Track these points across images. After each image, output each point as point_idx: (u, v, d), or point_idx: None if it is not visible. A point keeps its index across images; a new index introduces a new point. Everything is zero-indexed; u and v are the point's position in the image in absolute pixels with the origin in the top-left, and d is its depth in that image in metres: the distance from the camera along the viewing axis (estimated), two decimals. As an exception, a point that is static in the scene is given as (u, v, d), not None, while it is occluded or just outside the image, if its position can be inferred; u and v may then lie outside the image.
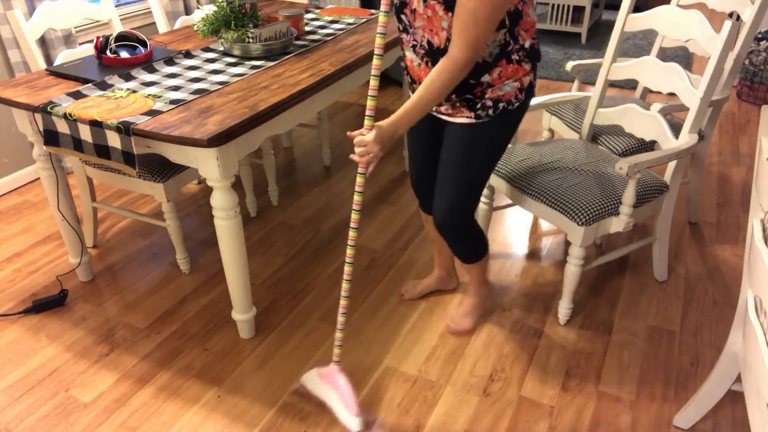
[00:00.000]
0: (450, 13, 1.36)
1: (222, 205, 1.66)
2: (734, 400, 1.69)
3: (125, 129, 1.54)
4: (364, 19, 2.54)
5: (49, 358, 1.86)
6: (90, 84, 1.79)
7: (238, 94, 1.75)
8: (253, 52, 2.04)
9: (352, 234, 1.53)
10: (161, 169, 2.01)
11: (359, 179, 1.47)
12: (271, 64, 2.00)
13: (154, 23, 3.28)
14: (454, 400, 1.70)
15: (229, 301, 2.07)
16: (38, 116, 1.67)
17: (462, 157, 1.58)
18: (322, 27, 2.43)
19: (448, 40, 1.40)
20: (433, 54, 1.46)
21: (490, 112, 1.51)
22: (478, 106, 1.51)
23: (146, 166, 2.01)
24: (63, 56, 2.09)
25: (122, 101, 1.68)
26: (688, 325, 1.98)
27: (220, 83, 1.83)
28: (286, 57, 2.06)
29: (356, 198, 1.50)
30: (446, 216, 1.64)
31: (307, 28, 2.40)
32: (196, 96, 1.73)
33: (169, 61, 1.99)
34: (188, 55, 2.07)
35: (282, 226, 2.51)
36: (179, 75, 1.89)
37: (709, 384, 1.49)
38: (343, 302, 1.59)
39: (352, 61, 2.00)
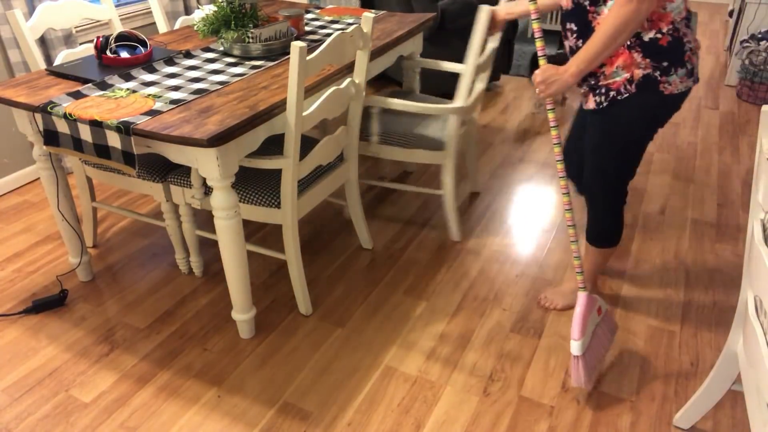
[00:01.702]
0: None
1: (222, 205, 1.66)
2: (734, 400, 1.69)
3: (125, 129, 1.54)
4: (364, 19, 2.53)
5: (49, 358, 1.86)
6: (90, 84, 1.79)
7: (238, 94, 1.75)
8: (253, 52, 2.04)
9: (559, 166, 1.67)
10: (161, 169, 2.01)
11: (549, 115, 1.63)
12: (271, 64, 2.00)
13: (154, 23, 3.28)
14: (454, 400, 1.70)
15: (229, 301, 2.07)
16: (38, 116, 1.67)
17: (591, 142, 1.70)
18: (322, 27, 2.43)
19: (577, 3, 1.54)
20: (568, 17, 1.59)
21: (603, 99, 1.59)
22: (597, 92, 1.61)
23: (146, 166, 2.01)
24: (63, 56, 2.09)
25: (122, 101, 1.68)
26: (688, 325, 1.98)
27: (220, 83, 1.83)
28: (286, 57, 2.06)
29: (552, 132, 1.64)
30: (589, 192, 1.80)
31: (307, 28, 2.40)
32: (196, 96, 1.73)
33: (169, 61, 1.99)
34: (188, 55, 2.07)
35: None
36: (179, 75, 1.89)
37: (709, 384, 1.49)
38: (571, 231, 1.70)
39: (352, 61, 2.00)
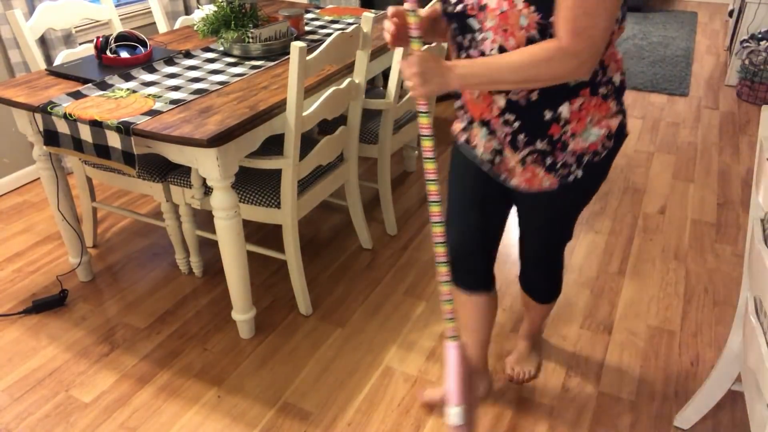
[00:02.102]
0: (532, 6, 1.05)
1: (222, 205, 1.66)
2: (734, 400, 1.69)
3: (125, 129, 1.54)
4: (364, 19, 2.54)
5: (49, 358, 1.86)
6: (90, 84, 1.79)
7: (238, 94, 1.75)
8: (253, 52, 2.04)
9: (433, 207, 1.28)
10: (161, 169, 2.01)
11: (422, 120, 1.22)
12: (271, 64, 2.00)
13: (154, 23, 3.28)
14: (454, 400, 1.70)
15: (229, 301, 2.07)
16: (38, 116, 1.67)
17: (550, 228, 1.38)
18: (322, 27, 2.43)
19: (530, 41, 1.09)
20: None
21: (575, 169, 1.24)
22: (559, 164, 1.23)
23: (146, 166, 2.01)
24: (63, 56, 2.09)
25: (122, 101, 1.68)
26: (688, 325, 1.98)
27: (220, 83, 1.83)
28: (286, 57, 2.06)
29: (428, 166, 1.24)
30: (551, 288, 1.55)
31: (307, 28, 2.41)
32: (196, 96, 1.73)
33: (169, 61, 1.99)
34: (188, 55, 2.07)
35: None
36: (179, 75, 1.89)
37: (709, 384, 1.49)
38: (445, 288, 1.35)
39: (352, 61, 2.00)
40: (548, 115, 1.17)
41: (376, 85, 2.93)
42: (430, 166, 1.23)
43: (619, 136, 1.25)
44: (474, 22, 1.13)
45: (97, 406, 1.69)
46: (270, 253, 2.01)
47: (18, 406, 1.69)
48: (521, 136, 1.21)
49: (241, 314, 1.89)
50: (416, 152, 2.93)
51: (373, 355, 1.86)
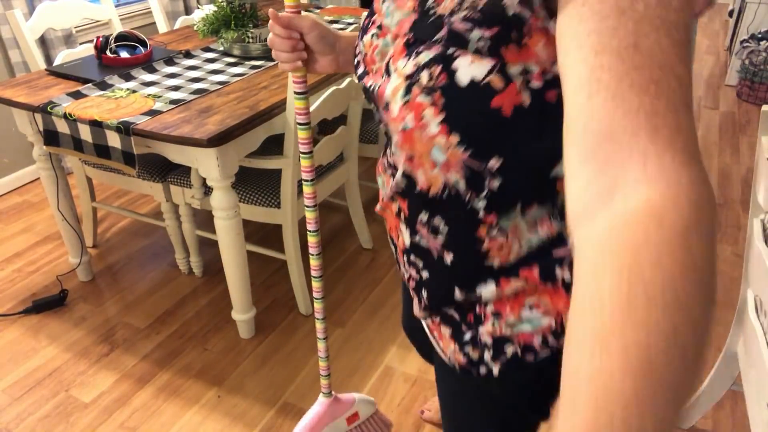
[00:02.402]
0: (454, 134, 0.57)
1: (222, 205, 1.66)
2: (734, 400, 1.69)
3: (125, 129, 1.54)
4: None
5: (49, 358, 1.86)
6: (90, 84, 1.79)
7: (238, 94, 1.75)
8: (253, 52, 2.04)
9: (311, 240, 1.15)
10: (161, 169, 2.01)
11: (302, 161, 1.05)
12: (272, 63, 2.00)
13: (154, 23, 3.28)
14: (454, 400, 1.70)
15: (229, 301, 2.07)
16: (38, 116, 1.67)
17: (448, 416, 0.87)
18: (322, 27, 2.43)
19: (448, 190, 0.62)
20: (414, 199, 0.67)
21: (488, 358, 0.69)
22: (466, 338, 0.71)
23: (145, 166, 2.01)
24: (63, 56, 2.09)
25: (122, 101, 1.68)
26: (688, 325, 1.98)
27: (220, 83, 1.83)
28: (286, 57, 2.06)
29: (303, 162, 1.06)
30: None
31: (307, 28, 2.40)
32: (196, 96, 1.73)
33: (169, 61, 1.99)
34: (188, 55, 2.07)
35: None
36: (179, 75, 1.89)
37: (709, 384, 1.49)
38: (319, 325, 1.27)
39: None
40: (458, 294, 0.69)
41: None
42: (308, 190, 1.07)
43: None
44: (383, 116, 0.64)
45: (96, 406, 1.69)
46: (270, 253, 2.01)
47: (18, 406, 1.69)
48: (424, 293, 0.74)
49: (241, 314, 1.89)
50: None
51: (374, 355, 1.86)
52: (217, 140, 1.51)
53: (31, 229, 2.52)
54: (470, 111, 0.55)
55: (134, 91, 1.75)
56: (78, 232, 2.09)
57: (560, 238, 0.62)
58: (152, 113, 1.61)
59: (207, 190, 1.95)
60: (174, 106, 1.66)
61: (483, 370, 0.70)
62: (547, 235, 0.62)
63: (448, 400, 0.84)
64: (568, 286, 0.63)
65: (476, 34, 0.52)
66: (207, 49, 2.13)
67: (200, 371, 1.81)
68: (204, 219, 2.47)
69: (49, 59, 2.68)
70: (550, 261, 0.63)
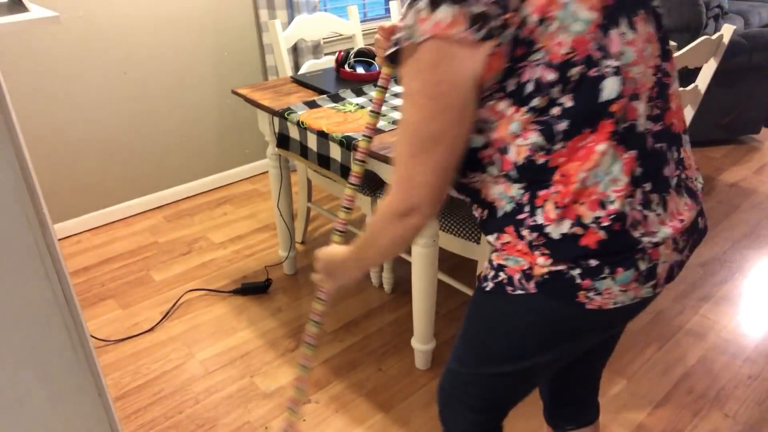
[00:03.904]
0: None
1: (422, 232, 1.61)
2: None
3: (347, 144, 1.58)
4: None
5: (244, 340, 2.00)
6: (325, 95, 1.88)
7: (460, 122, 1.69)
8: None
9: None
10: (373, 183, 2.04)
11: (315, 305, 1.24)
12: (499, 92, 1.91)
13: (393, 39, 3.42)
14: None
15: (411, 324, 2.03)
16: (276, 120, 1.81)
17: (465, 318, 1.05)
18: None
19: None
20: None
21: (490, 277, 0.93)
22: (489, 258, 0.96)
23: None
24: (308, 65, 2.25)
25: (350, 116, 1.73)
26: None
27: (444, 108, 1.78)
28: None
29: (310, 329, 1.27)
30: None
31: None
32: (418, 118, 1.71)
33: (399, 81, 2.01)
34: (418, 75, 2.07)
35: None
36: (406, 95, 1.90)
37: None
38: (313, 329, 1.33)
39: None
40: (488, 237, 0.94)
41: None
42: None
43: (546, 286, 0.84)
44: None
45: (273, 400, 1.76)
46: (460, 286, 1.92)
47: (210, 379, 1.84)
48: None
49: (421, 344, 1.83)
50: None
51: (553, 426, 1.66)
52: (431, 167, 1.46)
53: (255, 216, 2.78)
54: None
55: (362, 107, 1.80)
56: (290, 229, 2.23)
57: (520, 208, 0.85)
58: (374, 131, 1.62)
59: (411, 212, 1.93)
60: (396, 126, 1.66)
61: (486, 284, 0.94)
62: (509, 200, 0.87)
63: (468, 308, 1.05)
64: (531, 246, 0.85)
65: None
66: (437, 71, 2.12)
67: (371, 391, 1.79)
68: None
69: (297, 66, 2.94)
70: (518, 222, 0.86)
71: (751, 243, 2.48)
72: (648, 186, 0.83)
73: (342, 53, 2.08)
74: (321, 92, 1.93)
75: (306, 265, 2.41)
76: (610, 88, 0.79)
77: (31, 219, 0.91)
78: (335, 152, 1.63)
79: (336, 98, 1.86)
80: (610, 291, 0.83)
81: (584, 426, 1.23)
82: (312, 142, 1.70)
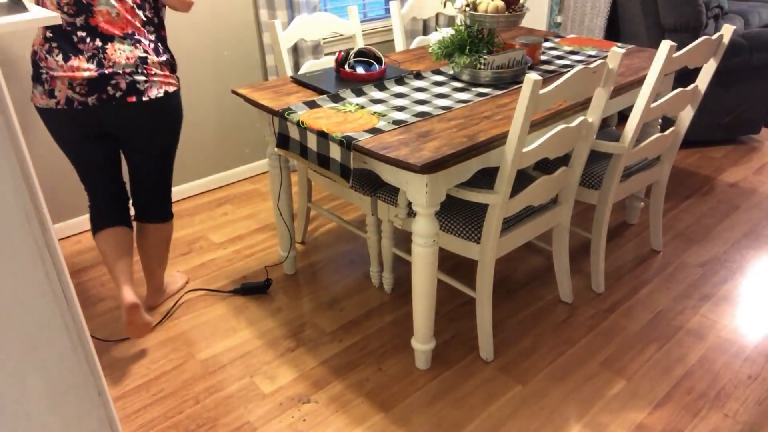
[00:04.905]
0: None
1: (423, 232, 1.61)
2: None
3: (347, 144, 1.58)
4: (607, 53, 2.32)
5: (244, 340, 2.00)
6: (325, 95, 1.88)
7: (460, 122, 1.69)
8: (482, 79, 1.98)
9: None
10: (372, 183, 2.04)
11: None
12: (498, 92, 1.91)
13: (392, 40, 3.42)
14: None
15: (411, 324, 2.04)
16: (275, 120, 1.81)
17: None
18: (560, 57, 2.27)
19: None
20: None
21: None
22: None
23: (359, 178, 2.07)
24: (308, 65, 2.25)
25: (350, 116, 1.73)
26: None
27: (444, 108, 1.79)
28: (516, 86, 1.96)
29: None
30: None
31: (543, 58, 2.27)
32: (418, 119, 1.71)
33: (400, 81, 2.02)
34: (418, 76, 2.08)
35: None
36: (406, 95, 1.90)
37: None
38: None
39: (587, 98, 1.82)
40: None
41: (608, 123, 2.67)
42: None
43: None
44: None
45: (273, 400, 1.76)
46: (460, 286, 1.92)
47: (210, 379, 1.84)
48: None
49: (421, 344, 1.83)
50: (642, 204, 2.60)
51: (553, 427, 1.66)
52: (430, 168, 1.46)
53: (255, 216, 2.78)
54: None
55: (362, 107, 1.80)
56: (290, 229, 2.23)
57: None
58: (374, 131, 1.63)
59: (411, 212, 1.93)
60: (396, 126, 1.66)
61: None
62: None
63: None
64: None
65: None
66: (437, 72, 2.12)
67: (371, 391, 1.79)
68: (402, 237, 2.48)
69: (297, 66, 2.94)
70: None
71: (751, 243, 2.48)
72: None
73: (342, 53, 2.08)
74: (321, 92, 1.93)
75: (306, 265, 2.41)
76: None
77: (31, 219, 0.91)
78: (335, 152, 1.63)
79: (336, 98, 1.86)
80: (36, 95, 1.69)
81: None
82: (312, 142, 1.70)
